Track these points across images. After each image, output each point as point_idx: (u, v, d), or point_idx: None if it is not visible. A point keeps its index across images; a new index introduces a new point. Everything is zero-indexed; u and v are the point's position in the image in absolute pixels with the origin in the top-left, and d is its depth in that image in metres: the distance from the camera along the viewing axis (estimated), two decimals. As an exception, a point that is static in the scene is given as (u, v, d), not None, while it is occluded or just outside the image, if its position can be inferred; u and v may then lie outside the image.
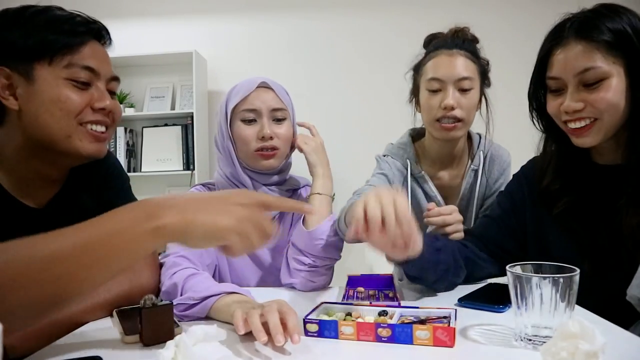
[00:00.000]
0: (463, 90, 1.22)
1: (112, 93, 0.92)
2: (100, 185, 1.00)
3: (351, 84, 3.14)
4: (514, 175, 1.19)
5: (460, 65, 1.22)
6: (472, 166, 1.33)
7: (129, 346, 0.71)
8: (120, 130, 3.09)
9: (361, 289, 0.99)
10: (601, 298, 0.82)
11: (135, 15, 3.20)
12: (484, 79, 1.28)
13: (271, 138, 1.08)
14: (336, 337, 0.71)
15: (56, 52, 0.81)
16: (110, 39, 0.92)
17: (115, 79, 0.91)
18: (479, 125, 1.33)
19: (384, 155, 1.40)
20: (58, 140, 0.83)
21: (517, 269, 0.67)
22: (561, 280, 0.63)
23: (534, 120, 1.05)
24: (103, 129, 0.88)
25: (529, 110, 1.05)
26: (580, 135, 0.93)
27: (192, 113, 3.00)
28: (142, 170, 3.16)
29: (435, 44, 1.29)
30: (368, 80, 3.12)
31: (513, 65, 2.45)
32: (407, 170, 1.35)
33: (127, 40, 3.22)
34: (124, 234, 0.57)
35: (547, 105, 0.98)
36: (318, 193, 1.11)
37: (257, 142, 1.08)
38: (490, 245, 1.08)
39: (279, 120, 1.11)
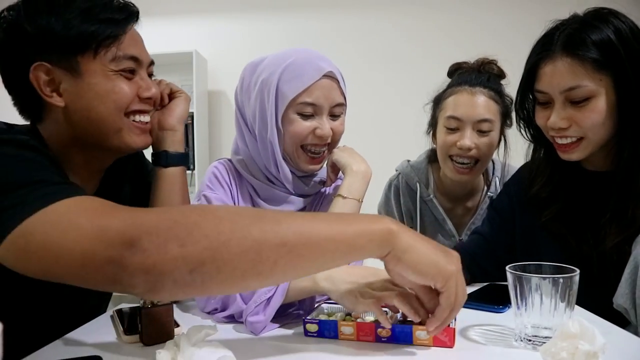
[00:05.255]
0: (481, 132, 1.19)
1: (150, 76, 0.89)
2: (136, 173, 1.00)
3: (352, 83, 3.12)
4: (504, 184, 1.19)
5: (481, 105, 1.17)
6: (489, 193, 1.32)
7: (129, 346, 0.71)
8: (120, 130, 3.09)
9: None
10: (589, 306, 0.82)
11: (135, 15, 3.20)
12: (505, 119, 1.24)
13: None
14: (336, 337, 0.71)
15: (100, 44, 0.77)
16: (138, 17, 0.89)
17: (153, 62, 0.88)
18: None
19: (398, 174, 1.40)
20: (109, 135, 0.81)
21: (517, 269, 0.67)
22: (561, 280, 0.63)
23: (522, 130, 1.04)
24: (147, 118, 0.86)
25: (516, 120, 1.05)
26: (566, 151, 0.93)
27: (192, 113, 3.00)
28: (142, 170, 3.15)
29: (459, 77, 1.24)
30: (369, 80, 3.11)
31: (514, 65, 2.43)
32: (416, 193, 1.34)
33: (127, 40, 3.22)
34: (366, 236, 0.59)
35: (536, 117, 0.98)
36: (341, 195, 0.93)
37: (311, 139, 0.95)
38: (481, 262, 1.08)
39: (335, 117, 0.98)
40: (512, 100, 1.22)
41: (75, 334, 0.77)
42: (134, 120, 0.83)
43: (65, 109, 0.78)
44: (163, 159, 0.91)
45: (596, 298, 0.84)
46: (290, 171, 0.99)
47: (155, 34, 3.21)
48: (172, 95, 0.96)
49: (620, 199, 0.91)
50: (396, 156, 1.53)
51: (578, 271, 0.64)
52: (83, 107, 0.78)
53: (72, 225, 0.57)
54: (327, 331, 0.71)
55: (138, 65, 0.83)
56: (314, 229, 0.57)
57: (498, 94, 1.21)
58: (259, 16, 3.19)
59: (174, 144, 0.92)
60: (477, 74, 1.22)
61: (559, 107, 0.91)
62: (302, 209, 1.03)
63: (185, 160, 0.94)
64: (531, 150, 1.07)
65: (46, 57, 0.75)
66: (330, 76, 0.94)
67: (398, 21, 3.10)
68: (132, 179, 0.99)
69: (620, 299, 0.81)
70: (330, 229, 0.58)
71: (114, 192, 0.92)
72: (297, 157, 0.97)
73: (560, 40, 0.90)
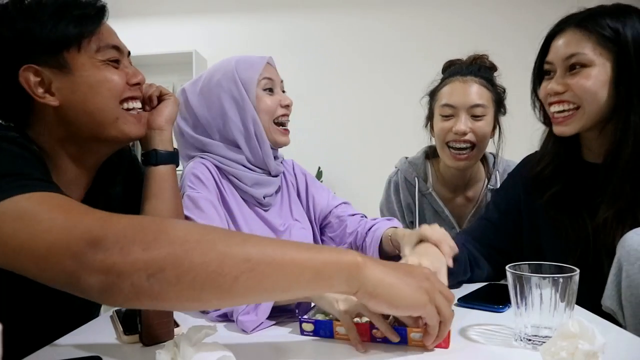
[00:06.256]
0: (475, 117, 1.24)
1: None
2: (129, 175, 1.01)
3: (351, 83, 3.14)
4: (509, 174, 1.21)
5: (473, 92, 1.24)
6: (489, 186, 1.36)
7: (128, 346, 0.71)
8: (120, 130, 3.09)
9: None
10: (587, 297, 0.83)
11: (135, 15, 3.20)
12: (499, 107, 1.30)
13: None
14: (332, 336, 0.71)
15: (81, 38, 0.78)
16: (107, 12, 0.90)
17: (129, 53, 0.91)
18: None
19: (397, 170, 1.45)
20: (106, 126, 0.82)
21: (517, 269, 0.67)
22: (561, 280, 0.63)
23: (536, 112, 1.08)
24: (139, 105, 0.89)
25: (531, 102, 1.08)
26: (560, 123, 0.98)
27: (192, 113, 3.00)
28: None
29: (451, 70, 1.32)
30: (368, 80, 3.12)
31: (516, 65, 2.44)
32: (415, 187, 1.38)
33: (127, 40, 3.20)
34: (333, 265, 0.58)
35: (540, 91, 1.02)
36: None
37: (280, 111, 1.09)
38: (486, 248, 1.09)
39: (283, 92, 1.13)
40: (504, 90, 1.31)
41: (75, 334, 0.77)
42: (127, 109, 0.86)
43: (58, 107, 0.79)
44: (152, 157, 0.92)
45: (594, 289, 0.85)
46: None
47: (156, 34, 3.23)
48: (161, 98, 0.98)
49: (614, 186, 0.94)
50: (396, 154, 1.56)
51: (578, 271, 0.64)
52: (79, 101, 0.79)
53: (45, 216, 0.57)
54: (323, 330, 0.72)
55: (120, 54, 0.85)
56: (280, 251, 0.57)
57: (489, 82, 1.28)
58: (259, 16, 3.19)
59: (162, 142, 0.93)
60: (468, 66, 1.30)
61: (559, 75, 0.97)
62: (279, 188, 1.16)
63: (174, 158, 0.96)
64: (545, 133, 1.10)
65: (32, 59, 0.76)
66: (269, 63, 1.11)
67: (397, 21, 3.10)
68: (125, 180, 1.00)
69: (608, 300, 0.82)
70: (297, 253, 0.57)
71: (106, 192, 0.93)
72: (272, 132, 1.09)
73: (576, 18, 0.96)
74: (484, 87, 1.26)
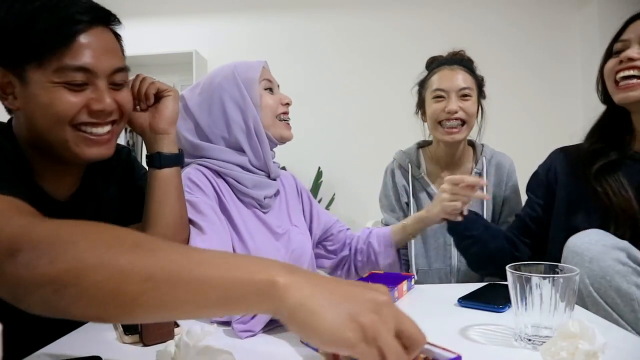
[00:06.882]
0: (464, 97, 1.42)
1: (118, 85, 0.82)
2: (124, 176, 0.99)
3: (351, 83, 3.14)
4: (539, 166, 1.29)
5: (460, 78, 1.43)
6: (475, 169, 1.51)
7: (129, 346, 0.71)
8: (120, 130, 3.08)
9: None
10: None
11: (135, 15, 3.19)
12: (481, 91, 1.49)
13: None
14: (316, 350, 0.71)
15: (44, 53, 0.73)
16: (117, 20, 0.83)
17: (121, 69, 0.81)
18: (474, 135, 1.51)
19: (393, 159, 1.61)
20: (55, 145, 0.78)
21: (517, 269, 0.67)
22: (561, 280, 0.63)
23: (598, 93, 1.14)
24: (105, 129, 0.80)
25: (596, 87, 1.13)
26: (625, 89, 1.01)
27: (192, 113, 3.00)
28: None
29: (437, 62, 1.51)
30: (368, 80, 3.12)
31: (512, 64, 2.54)
32: (408, 172, 1.54)
33: (127, 40, 3.20)
34: (244, 285, 0.50)
35: (605, 68, 1.06)
36: None
37: (281, 108, 1.14)
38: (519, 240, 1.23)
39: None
40: (482, 78, 1.50)
41: (75, 334, 0.77)
42: (84, 132, 0.79)
43: (20, 111, 0.78)
44: (157, 160, 0.91)
45: None
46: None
47: (156, 34, 3.23)
48: (160, 95, 0.94)
49: None
50: (393, 150, 1.63)
51: (578, 271, 0.65)
52: (29, 114, 0.77)
53: None
54: None
55: (91, 75, 0.77)
56: (189, 267, 0.51)
57: (471, 70, 1.47)
58: (259, 16, 3.19)
59: (167, 145, 0.92)
60: (452, 57, 1.50)
61: (635, 46, 1.01)
62: (277, 192, 1.19)
63: (179, 160, 0.94)
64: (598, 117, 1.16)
65: (1, 63, 0.76)
66: (264, 67, 1.15)
67: (397, 21, 3.10)
68: (120, 181, 0.98)
69: None
70: (208, 270, 0.50)
71: (98, 192, 0.92)
72: (277, 127, 1.13)
73: None
74: (468, 74, 1.44)
